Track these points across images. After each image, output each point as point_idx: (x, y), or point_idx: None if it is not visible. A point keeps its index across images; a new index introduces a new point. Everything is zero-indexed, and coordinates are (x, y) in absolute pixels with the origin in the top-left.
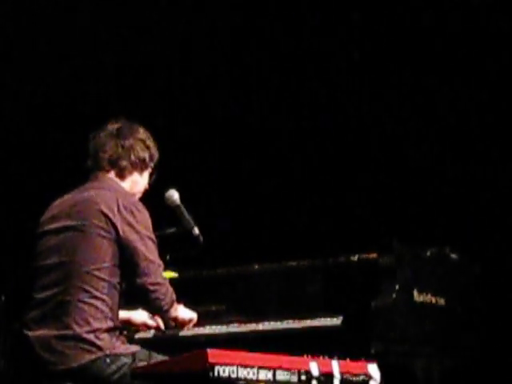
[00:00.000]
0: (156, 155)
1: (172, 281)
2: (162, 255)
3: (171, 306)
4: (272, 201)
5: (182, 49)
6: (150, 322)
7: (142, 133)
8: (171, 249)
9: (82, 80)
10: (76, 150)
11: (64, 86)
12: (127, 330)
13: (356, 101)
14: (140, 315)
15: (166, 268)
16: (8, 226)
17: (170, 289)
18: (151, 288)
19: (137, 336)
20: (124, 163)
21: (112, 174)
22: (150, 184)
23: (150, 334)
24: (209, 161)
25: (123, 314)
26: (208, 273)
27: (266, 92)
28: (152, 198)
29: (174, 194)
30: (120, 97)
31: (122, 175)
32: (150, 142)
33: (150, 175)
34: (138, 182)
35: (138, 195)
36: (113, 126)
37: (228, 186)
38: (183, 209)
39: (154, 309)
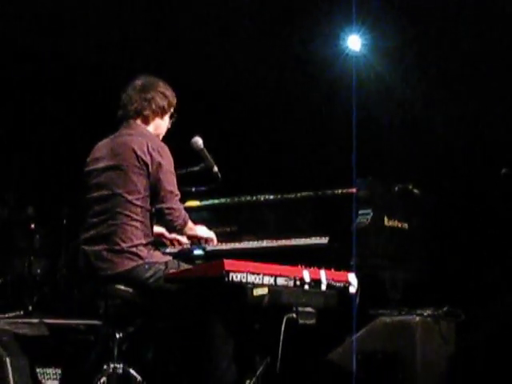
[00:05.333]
0: (173, 101)
1: (195, 208)
2: (188, 188)
3: (184, 226)
4: (277, 150)
5: None
6: (167, 234)
7: (161, 86)
8: (196, 183)
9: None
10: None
11: None
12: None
13: None
14: (159, 228)
15: (191, 198)
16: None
17: (183, 212)
18: (166, 211)
19: (168, 250)
20: (146, 112)
21: (139, 121)
22: (171, 124)
23: (176, 249)
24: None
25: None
26: (224, 201)
27: None
28: (180, 143)
29: (198, 140)
30: None
31: (145, 121)
32: (168, 92)
33: (171, 117)
34: (160, 125)
35: (162, 135)
36: (137, 82)
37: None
38: (205, 151)
39: (169, 227)
